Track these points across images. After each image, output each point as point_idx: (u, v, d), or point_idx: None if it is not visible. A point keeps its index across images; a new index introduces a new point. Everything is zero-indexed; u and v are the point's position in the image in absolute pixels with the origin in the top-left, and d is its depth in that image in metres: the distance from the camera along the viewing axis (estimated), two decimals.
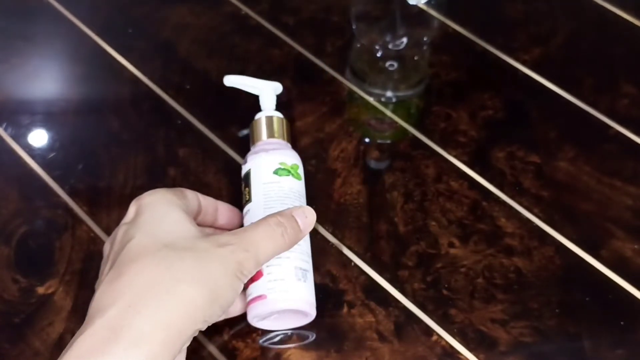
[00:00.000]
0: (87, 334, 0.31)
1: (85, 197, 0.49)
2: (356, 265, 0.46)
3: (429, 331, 0.43)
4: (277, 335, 0.42)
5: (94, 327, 0.31)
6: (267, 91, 0.49)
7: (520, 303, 0.44)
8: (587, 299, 0.44)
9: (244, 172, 0.44)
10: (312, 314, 0.40)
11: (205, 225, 0.42)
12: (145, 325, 0.30)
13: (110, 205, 0.48)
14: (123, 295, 0.32)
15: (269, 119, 0.46)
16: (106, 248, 0.38)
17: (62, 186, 0.49)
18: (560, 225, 0.48)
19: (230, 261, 0.34)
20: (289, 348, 0.42)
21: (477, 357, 0.42)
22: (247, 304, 0.39)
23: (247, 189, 0.43)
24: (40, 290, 0.44)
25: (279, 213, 0.38)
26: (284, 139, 0.46)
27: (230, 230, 0.38)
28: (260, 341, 0.42)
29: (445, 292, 0.44)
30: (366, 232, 0.47)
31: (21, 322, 0.43)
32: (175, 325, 0.31)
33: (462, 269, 0.45)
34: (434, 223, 0.48)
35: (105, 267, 0.36)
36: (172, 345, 0.31)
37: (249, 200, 0.42)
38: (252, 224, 0.37)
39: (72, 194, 0.49)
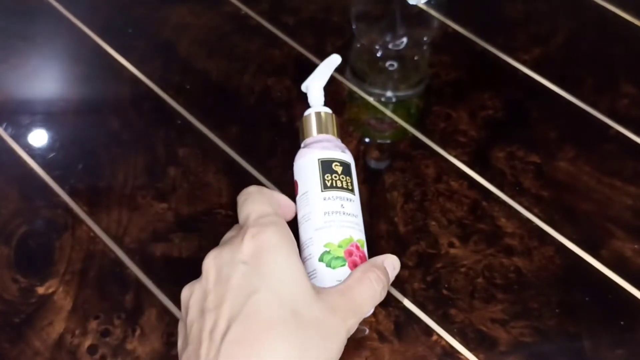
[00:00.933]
0: None
1: (85, 197, 0.49)
2: None
3: (429, 331, 0.43)
4: None
5: None
6: (317, 86, 0.50)
7: (520, 303, 0.44)
8: (587, 299, 0.44)
9: (340, 159, 0.44)
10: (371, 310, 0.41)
11: None
12: None
13: (110, 205, 0.48)
14: None
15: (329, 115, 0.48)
16: (210, 271, 0.35)
17: (62, 186, 0.49)
18: (560, 225, 0.48)
19: (343, 330, 0.34)
20: None
21: (477, 357, 0.42)
22: None
23: (348, 178, 0.43)
24: (40, 290, 0.44)
25: (376, 266, 0.38)
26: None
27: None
28: None
29: (445, 292, 0.44)
30: (366, 231, 0.47)
31: (21, 322, 0.43)
32: None
33: (462, 269, 0.45)
34: (434, 223, 0.48)
35: (214, 314, 0.33)
36: None
37: (352, 191, 0.43)
38: (354, 278, 0.37)
39: (72, 193, 0.49)
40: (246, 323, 0.32)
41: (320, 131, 0.46)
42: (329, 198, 0.42)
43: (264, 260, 0.34)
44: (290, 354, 0.31)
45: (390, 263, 0.39)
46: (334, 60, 0.53)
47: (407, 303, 0.44)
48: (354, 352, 0.42)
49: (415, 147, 0.52)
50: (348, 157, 0.45)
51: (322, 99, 0.50)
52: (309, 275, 0.40)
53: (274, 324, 0.32)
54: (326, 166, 0.43)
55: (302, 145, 0.46)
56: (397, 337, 0.42)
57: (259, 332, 0.31)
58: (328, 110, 0.48)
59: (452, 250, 0.46)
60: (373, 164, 0.51)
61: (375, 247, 0.46)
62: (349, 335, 0.35)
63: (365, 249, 0.41)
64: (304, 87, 0.52)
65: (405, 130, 0.53)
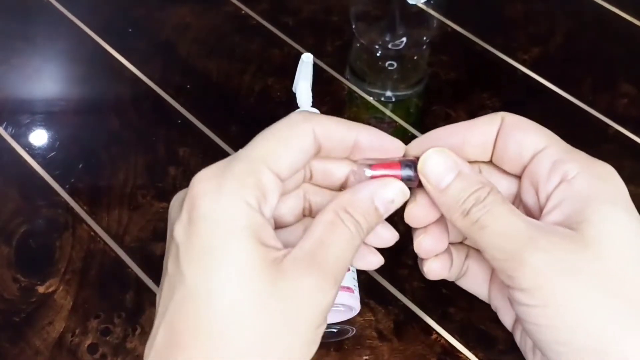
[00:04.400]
0: None
1: (86, 197, 0.49)
2: None
3: (429, 330, 0.43)
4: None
5: None
6: (302, 88, 0.51)
7: None
8: None
9: None
10: (357, 308, 0.41)
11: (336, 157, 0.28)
12: None
13: (111, 204, 0.48)
14: None
15: None
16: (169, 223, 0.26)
17: (62, 185, 0.49)
18: None
19: (318, 315, 0.24)
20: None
21: (476, 355, 0.42)
22: None
23: None
24: (41, 289, 0.44)
25: (353, 203, 0.26)
26: None
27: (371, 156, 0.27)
28: None
29: (444, 290, 0.44)
30: None
31: (21, 321, 0.43)
32: None
33: None
34: None
35: (162, 290, 0.25)
36: None
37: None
38: (324, 225, 0.25)
39: (72, 193, 0.49)
40: (168, 329, 0.24)
41: None
42: None
43: (195, 239, 0.24)
44: None
45: (385, 195, 0.26)
46: (306, 59, 0.53)
47: (407, 302, 0.44)
48: (353, 351, 0.42)
49: None
50: None
51: (309, 100, 0.50)
52: None
53: (197, 335, 0.23)
54: None
55: None
56: (397, 335, 0.42)
57: (175, 344, 0.24)
58: (315, 110, 0.49)
59: None
60: None
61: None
62: (327, 313, 0.24)
63: None
64: (294, 88, 0.53)
65: (404, 129, 0.53)
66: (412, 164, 0.26)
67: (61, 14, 0.61)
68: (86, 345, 0.42)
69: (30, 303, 0.44)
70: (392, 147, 0.27)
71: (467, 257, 0.29)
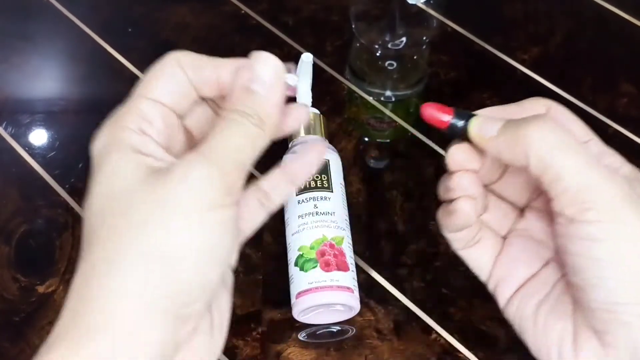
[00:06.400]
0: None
1: (86, 196, 0.49)
2: (356, 264, 0.46)
3: (429, 329, 0.43)
4: (319, 329, 0.43)
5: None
6: (302, 87, 0.51)
7: None
8: None
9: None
10: (357, 308, 0.41)
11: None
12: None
13: None
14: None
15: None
16: None
17: (62, 185, 0.49)
18: None
19: (218, 216, 0.23)
20: (289, 346, 0.42)
21: (476, 355, 0.42)
22: (296, 296, 0.40)
23: (324, 176, 0.44)
24: (41, 289, 0.44)
25: (241, 96, 0.25)
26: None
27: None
28: (301, 335, 0.42)
29: (444, 290, 0.44)
30: (366, 230, 0.47)
31: (21, 321, 0.43)
32: None
33: (461, 268, 0.45)
34: (433, 222, 0.48)
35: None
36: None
37: (328, 189, 0.43)
38: (215, 127, 0.25)
39: (72, 193, 0.49)
40: (84, 251, 0.25)
41: (307, 132, 0.47)
42: (302, 201, 0.42)
43: (94, 159, 0.25)
44: (121, 286, 0.22)
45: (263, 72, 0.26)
46: (306, 58, 0.53)
47: (407, 302, 0.44)
48: (353, 350, 0.42)
49: (414, 146, 0.52)
50: (327, 155, 0.45)
51: (309, 100, 0.50)
52: (290, 279, 0.41)
53: (92, 243, 0.24)
54: None
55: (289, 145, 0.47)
56: (397, 335, 0.42)
57: (84, 253, 0.24)
58: (315, 111, 0.48)
59: (452, 249, 0.46)
60: (372, 163, 0.51)
61: (375, 246, 0.46)
62: (220, 208, 0.23)
63: (344, 245, 0.41)
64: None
65: (404, 129, 0.53)
66: (466, 115, 0.28)
67: (61, 14, 0.61)
68: None
69: (30, 303, 0.44)
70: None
71: (480, 229, 0.30)
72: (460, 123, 0.27)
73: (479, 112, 0.28)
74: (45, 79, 0.57)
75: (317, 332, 0.43)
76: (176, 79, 0.27)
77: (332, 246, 0.41)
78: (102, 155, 0.25)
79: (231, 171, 0.23)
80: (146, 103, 0.26)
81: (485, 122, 0.27)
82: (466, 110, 0.28)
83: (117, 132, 0.25)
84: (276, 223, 0.45)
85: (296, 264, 0.40)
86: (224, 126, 0.24)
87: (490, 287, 0.30)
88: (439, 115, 0.28)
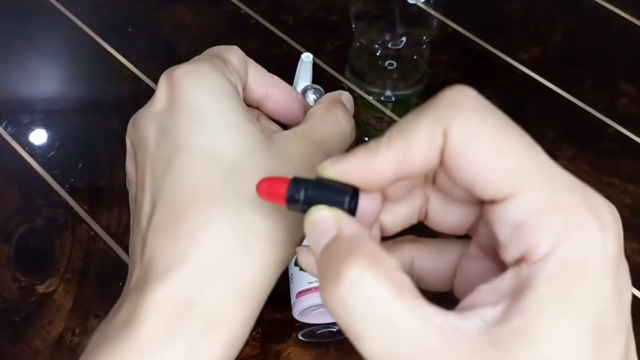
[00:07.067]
0: (145, 309, 0.22)
1: (86, 196, 0.49)
2: None
3: None
4: (318, 329, 0.43)
5: (154, 300, 0.22)
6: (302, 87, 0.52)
7: None
8: None
9: None
10: None
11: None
12: (223, 300, 0.22)
13: (110, 203, 0.48)
14: (188, 255, 0.22)
15: None
16: (131, 135, 0.27)
17: (62, 185, 0.49)
18: None
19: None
20: (289, 346, 0.42)
21: None
22: (296, 296, 0.40)
23: None
24: (41, 289, 0.44)
25: (339, 101, 0.29)
26: None
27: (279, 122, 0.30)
28: (301, 335, 0.42)
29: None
30: None
31: (21, 321, 0.43)
32: (254, 294, 0.23)
33: None
34: None
35: (139, 192, 0.25)
36: (252, 320, 0.23)
37: None
38: (316, 117, 0.27)
39: (72, 192, 0.49)
40: (168, 200, 0.23)
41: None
42: None
43: (183, 111, 0.25)
44: (227, 226, 0.22)
45: (348, 99, 0.29)
46: (306, 58, 0.54)
47: None
48: (353, 350, 0.42)
49: None
50: None
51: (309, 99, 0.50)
52: (290, 279, 0.41)
53: (203, 195, 0.23)
54: None
55: None
56: None
57: (182, 212, 0.23)
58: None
59: None
60: None
61: None
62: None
63: None
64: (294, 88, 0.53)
65: None
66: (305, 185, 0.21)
67: (61, 13, 0.61)
68: (86, 345, 0.42)
69: (30, 303, 0.44)
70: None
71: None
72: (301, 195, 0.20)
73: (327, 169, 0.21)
74: (45, 79, 0.57)
75: (317, 332, 0.43)
76: (243, 59, 0.32)
77: None
78: (205, 98, 0.26)
79: (326, 155, 0.24)
80: (231, 65, 0.31)
81: (306, 255, 0.22)
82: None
83: (219, 78, 0.27)
84: None
85: (296, 264, 0.40)
86: (326, 119, 0.28)
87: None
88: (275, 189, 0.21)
